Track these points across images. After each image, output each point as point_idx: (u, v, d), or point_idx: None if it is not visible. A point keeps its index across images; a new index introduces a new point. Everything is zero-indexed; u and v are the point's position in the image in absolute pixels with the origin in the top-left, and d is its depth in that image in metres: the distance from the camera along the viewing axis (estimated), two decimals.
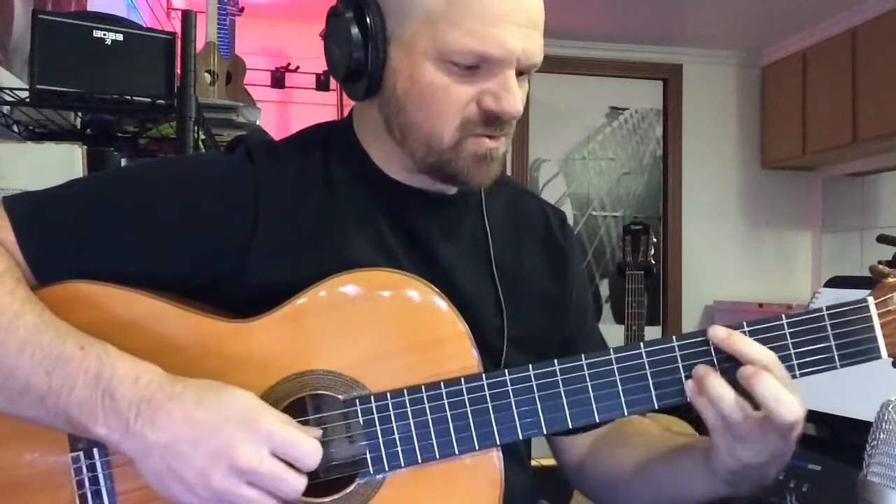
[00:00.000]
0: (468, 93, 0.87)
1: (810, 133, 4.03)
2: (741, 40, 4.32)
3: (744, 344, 0.81)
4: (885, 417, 0.81)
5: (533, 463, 1.06)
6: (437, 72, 0.86)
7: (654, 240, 3.16)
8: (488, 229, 1.00)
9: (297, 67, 4.17)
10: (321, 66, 4.11)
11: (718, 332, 0.82)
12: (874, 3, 3.62)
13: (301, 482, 0.77)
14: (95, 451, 0.82)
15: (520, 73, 0.88)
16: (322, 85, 4.14)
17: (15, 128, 1.75)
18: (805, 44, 4.10)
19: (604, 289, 4.35)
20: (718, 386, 0.80)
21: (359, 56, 0.89)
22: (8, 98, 1.63)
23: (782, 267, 4.52)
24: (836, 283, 1.67)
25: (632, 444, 1.02)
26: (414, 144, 0.91)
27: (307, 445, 0.77)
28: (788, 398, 0.78)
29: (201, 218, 0.89)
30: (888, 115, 3.52)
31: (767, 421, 0.79)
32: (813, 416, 1.40)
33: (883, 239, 1.69)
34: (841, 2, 3.68)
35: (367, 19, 0.88)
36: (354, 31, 0.89)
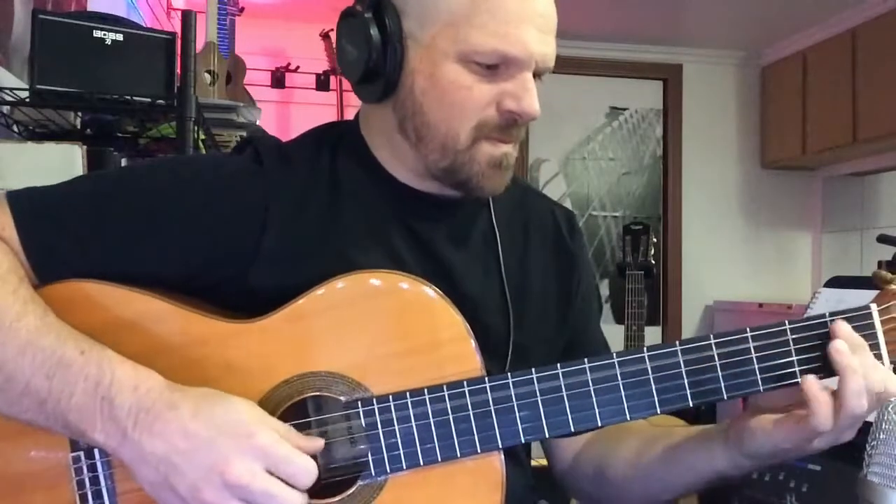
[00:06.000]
0: (489, 93, 0.88)
1: (810, 133, 4.03)
2: (741, 40, 4.32)
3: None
4: (885, 417, 0.81)
5: (533, 463, 1.06)
6: (461, 71, 0.87)
7: (654, 240, 3.16)
8: (497, 232, 1.00)
9: (297, 67, 4.17)
10: (321, 66, 4.11)
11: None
12: (874, 3, 3.62)
13: (294, 498, 0.76)
14: (96, 451, 0.82)
15: (534, 76, 0.90)
16: (322, 85, 4.14)
17: (15, 128, 1.74)
18: (805, 44, 4.09)
19: (604, 289, 4.35)
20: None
21: (377, 57, 0.89)
22: (8, 98, 1.63)
23: (782, 267, 4.52)
24: (836, 283, 1.67)
25: (625, 436, 1.00)
26: (429, 146, 0.91)
27: (301, 464, 0.76)
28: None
29: (207, 221, 0.88)
30: (888, 115, 3.52)
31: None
32: None
33: (883, 239, 1.69)
34: (841, 2, 3.68)
35: (386, 20, 0.88)
36: (374, 31, 0.88)
